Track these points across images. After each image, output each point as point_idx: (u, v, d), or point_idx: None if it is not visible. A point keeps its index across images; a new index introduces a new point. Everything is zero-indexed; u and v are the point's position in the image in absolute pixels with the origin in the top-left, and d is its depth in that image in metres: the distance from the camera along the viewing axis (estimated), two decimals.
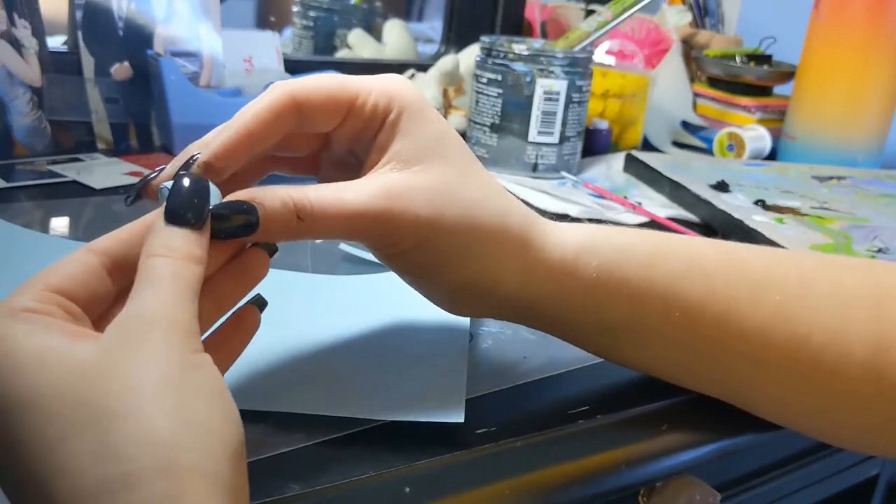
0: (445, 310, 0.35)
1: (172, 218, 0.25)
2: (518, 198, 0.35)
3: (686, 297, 0.33)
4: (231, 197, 0.28)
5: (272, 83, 0.30)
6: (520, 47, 0.71)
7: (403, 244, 0.31)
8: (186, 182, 0.26)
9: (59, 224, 0.54)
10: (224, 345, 0.29)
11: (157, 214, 0.26)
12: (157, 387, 0.21)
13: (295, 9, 1.01)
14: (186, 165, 0.28)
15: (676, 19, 1.05)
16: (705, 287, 0.33)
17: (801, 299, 0.33)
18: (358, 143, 0.32)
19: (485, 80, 0.74)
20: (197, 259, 0.25)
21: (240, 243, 0.29)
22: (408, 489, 0.29)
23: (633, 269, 0.33)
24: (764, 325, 0.33)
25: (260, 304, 0.31)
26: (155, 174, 0.30)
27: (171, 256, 0.24)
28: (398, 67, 0.93)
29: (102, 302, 0.26)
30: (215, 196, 0.28)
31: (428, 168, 0.31)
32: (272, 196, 0.28)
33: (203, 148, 0.29)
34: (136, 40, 0.71)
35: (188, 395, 0.21)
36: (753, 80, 0.95)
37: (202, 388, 0.22)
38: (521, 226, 0.32)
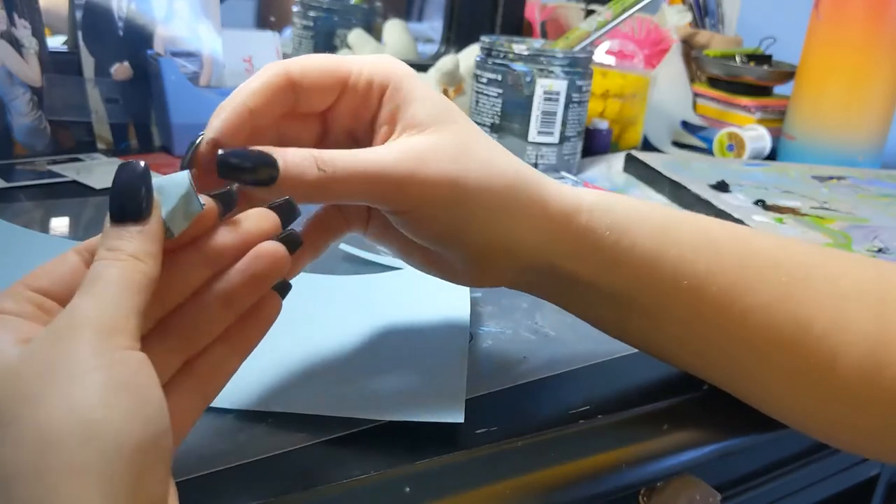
0: (465, 284, 0.35)
1: (114, 216, 0.25)
2: None
3: (694, 267, 0.33)
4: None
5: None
6: (520, 47, 0.71)
7: (427, 207, 0.31)
8: (123, 176, 0.25)
9: (59, 224, 0.54)
10: (240, 332, 0.28)
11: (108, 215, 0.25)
12: (56, 387, 0.20)
13: (295, 9, 1.01)
14: (192, 146, 0.28)
15: (676, 19, 1.05)
16: (715, 259, 0.33)
17: (805, 284, 0.33)
18: (357, 122, 0.32)
19: (485, 80, 0.74)
20: (144, 254, 0.24)
21: (255, 238, 0.28)
22: (408, 489, 0.29)
23: (646, 232, 0.33)
24: (767, 305, 0.33)
25: (282, 288, 0.29)
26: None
27: (113, 259, 0.24)
28: None
29: None
30: (183, 186, 0.26)
31: (443, 130, 0.31)
32: (293, 151, 0.28)
33: (212, 126, 0.28)
34: (136, 40, 0.71)
35: (87, 393, 0.20)
36: (753, 80, 0.94)
37: (107, 385, 0.21)
38: (536, 183, 0.33)
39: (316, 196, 0.29)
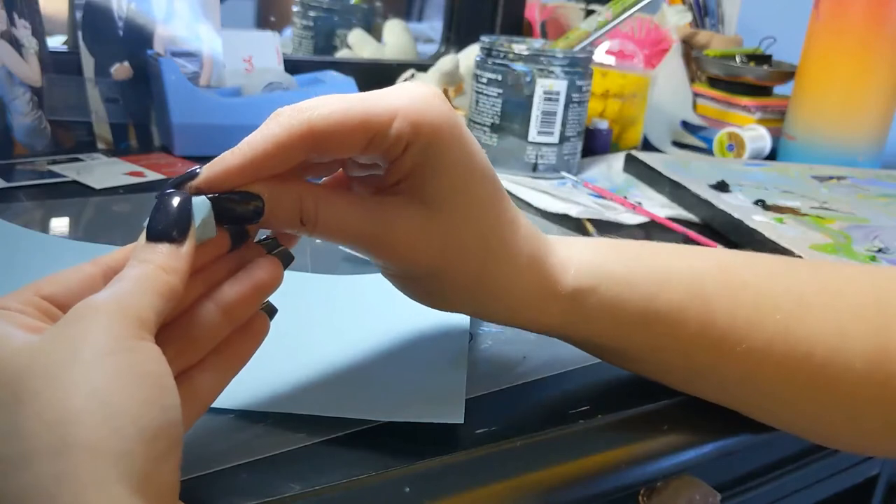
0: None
1: (152, 236, 0.26)
2: (518, 198, 0.35)
3: (685, 326, 0.33)
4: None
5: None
6: (520, 47, 0.71)
7: (404, 274, 0.32)
8: (169, 201, 0.26)
9: (59, 224, 0.54)
10: (231, 349, 0.29)
11: (143, 231, 0.26)
12: (78, 366, 0.21)
13: (295, 9, 1.01)
14: (184, 179, 0.28)
15: (676, 19, 1.05)
16: (705, 315, 0.33)
17: (801, 317, 0.33)
18: (376, 159, 0.31)
19: (485, 80, 0.74)
20: (171, 269, 0.25)
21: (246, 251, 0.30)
22: (408, 489, 0.29)
23: (633, 302, 0.33)
24: (763, 347, 0.33)
25: (270, 310, 0.31)
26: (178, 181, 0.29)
27: (142, 265, 0.25)
28: (398, 67, 0.92)
29: None
30: (204, 210, 0.27)
31: (442, 213, 0.30)
32: (282, 202, 0.29)
33: (209, 167, 0.28)
34: (136, 40, 0.71)
35: (108, 376, 0.21)
36: (753, 80, 0.94)
37: (128, 370, 0.21)
38: (528, 264, 0.33)
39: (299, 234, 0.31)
